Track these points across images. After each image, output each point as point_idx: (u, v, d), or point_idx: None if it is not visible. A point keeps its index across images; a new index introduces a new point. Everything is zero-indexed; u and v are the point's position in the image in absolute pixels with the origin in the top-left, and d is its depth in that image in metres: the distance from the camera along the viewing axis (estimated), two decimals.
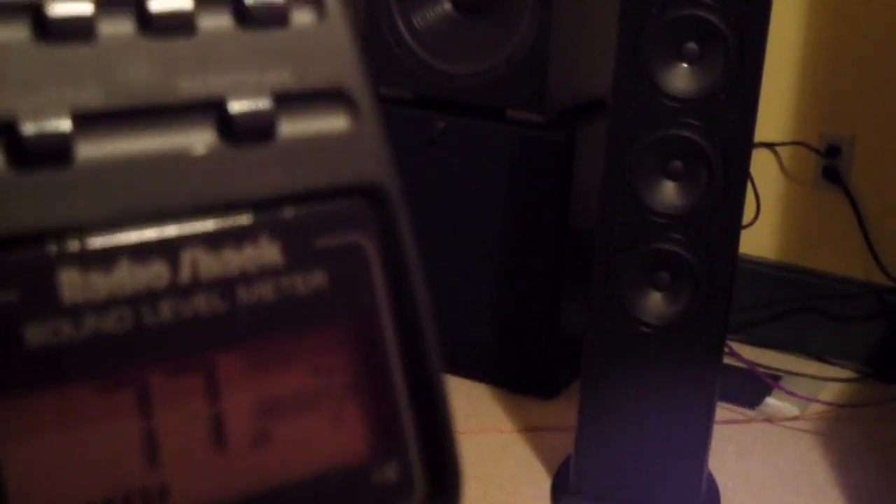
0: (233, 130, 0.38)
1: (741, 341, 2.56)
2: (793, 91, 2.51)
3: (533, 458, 2.14)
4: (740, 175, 1.86)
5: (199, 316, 0.37)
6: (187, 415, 0.38)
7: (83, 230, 0.36)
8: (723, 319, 1.92)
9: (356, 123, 0.41)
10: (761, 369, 2.42)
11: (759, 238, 2.59)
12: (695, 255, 1.89)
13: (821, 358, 2.55)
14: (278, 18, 0.39)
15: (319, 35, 0.40)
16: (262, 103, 0.38)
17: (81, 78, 0.36)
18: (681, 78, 1.85)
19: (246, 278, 0.38)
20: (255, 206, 0.38)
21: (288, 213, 0.39)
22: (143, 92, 0.37)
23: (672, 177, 1.89)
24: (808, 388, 2.41)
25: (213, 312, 0.38)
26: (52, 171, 0.35)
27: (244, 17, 0.39)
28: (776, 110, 2.50)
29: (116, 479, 0.37)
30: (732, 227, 1.89)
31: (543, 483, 2.06)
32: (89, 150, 0.36)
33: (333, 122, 0.40)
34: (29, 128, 0.35)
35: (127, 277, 0.36)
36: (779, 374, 2.46)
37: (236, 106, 0.38)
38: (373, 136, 0.41)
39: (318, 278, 0.39)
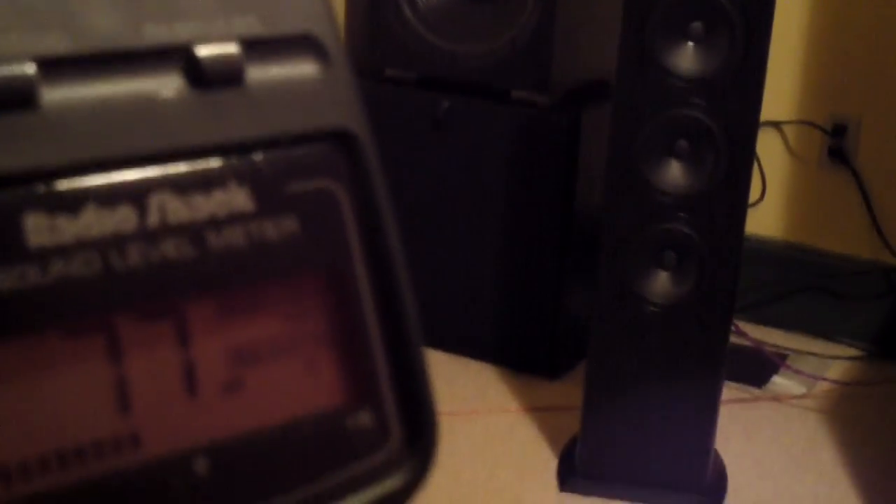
0: (200, 75, 0.38)
1: (748, 320, 2.56)
2: (799, 70, 2.51)
3: (539, 439, 2.14)
4: (746, 155, 1.86)
5: (168, 261, 0.37)
6: (158, 361, 0.37)
7: (49, 174, 0.35)
8: (729, 299, 1.91)
9: (326, 70, 0.41)
10: (768, 348, 2.42)
11: (765, 217, 2.59)
12: (701, 234, 1.89)
13: (827, 337, 2.55)
14: None
15: None
16: (230, 48, 0.38)
17: (46, 23, 0.35)
18: (686, 58, 1.84)
19: (215, 223, 0.38)
20: (224, 150, 0.38)
21: (257, 157, 0.38)
22: (109, 37, 0.36)
23: (678, 157, 1.88)
24: (815, 366, 2.41)
25: (183, 258, 0.37)
26: (17, 115, 0.35)
27: None
28: (783, 89, 2.50)
29: (87, 427, 0.36)
30: (739, 206, 1.88)
31: (550, 464, 2.07)
32: (55, 94, 0.36)
33: (302, 69, 0.40)
34: None
35: (94, 221, 0.36)
36: (785, 352, 2.46)
37: (203, 51, 0.38)
38: (342, 83, 0.41)
39: (289, 224, 0.39)
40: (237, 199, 0.38)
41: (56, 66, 0.36)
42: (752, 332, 2.47)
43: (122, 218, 0.36)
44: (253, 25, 0.39)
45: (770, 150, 2.53)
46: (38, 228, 0.35)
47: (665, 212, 1.89)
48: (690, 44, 1.84)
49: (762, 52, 1.81)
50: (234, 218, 0.38)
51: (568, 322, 2.32)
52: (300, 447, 0.40)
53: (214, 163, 0.38)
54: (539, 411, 2.23)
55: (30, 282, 0.35)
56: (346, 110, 0.41)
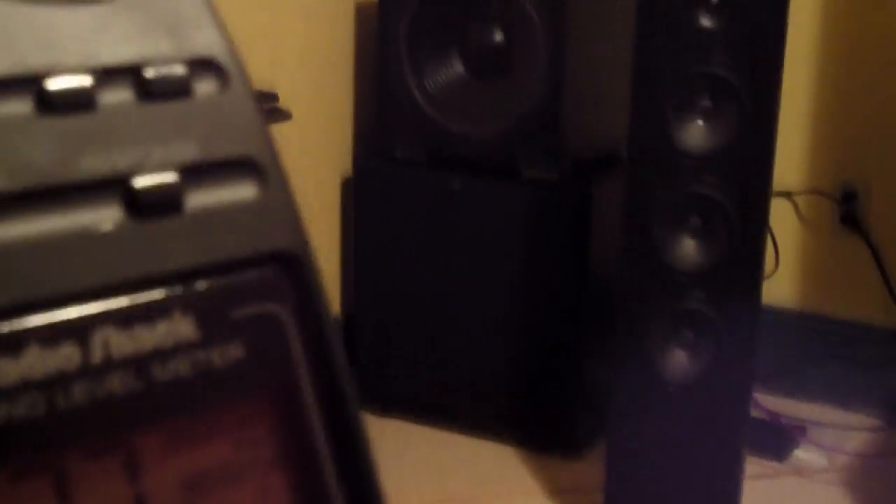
0: (138, 206, 0.37)
1: (766, 391, 2.54)
2: (807, 139, 2.51)
3: None
4: (759, 229, 1.86)
5: (114, 396, 0.36)
6: (110, 497, 0.36)
7: None
8: (748, 374, 1.90)
9: (264, 191, 0.40)
10: (787, 419, 2.40)
11: (780, 287, 2.58)
12: (717, 311, 1.88)
13: (846, 406, 2.53)
14: (180, 90, 0.39)
15: (223, 104, 0.40)
16: (168, 177, 0.38)
17: None
18: (696, 134, 1.84)
19: (161, 355, 0.37)
20: (167, 280, 0.38)
21: (200, 286, 0.38)
22: (46, 172, 0.36)
23: (691, 233, 1.88)
24: (836, 437, 2.39)
25: (129, 392, 0.37)
26: None
27: (145, 91, 0.38)
28: (791, 159, 2.50)
29: None
30: (753, 281, 1.88)
31: None
32: None
33: (241, 191, 0.40)
34: None
35: (37, 362, 0.35)
36: (805, 424, 2.44)
37: (140, 181, 0.37)
38: (282, 203, 0.41)
39: (235, 350, 0.39)
40: (182, 328, 0.38)
41: None
42: (770, 403, 2.45)
43: (66, 356, 0.36)
44: (191, 151, 0.39)
45: (782, 220, 2.53)
46: None
47: (680, 288, 1.89)
48: (700, 121, 1.84)
49: (771, 127, 1.82)
50: (180, 348, 0.38)
51: (587, 396, 2.30)
52: None
53: (157, 294, 0.37)
54: (562, 493, 2.21)
55: None
56: (287, 230, 0.41)
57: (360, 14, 2.45)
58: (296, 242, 0.41)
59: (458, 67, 2.28)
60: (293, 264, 0.40)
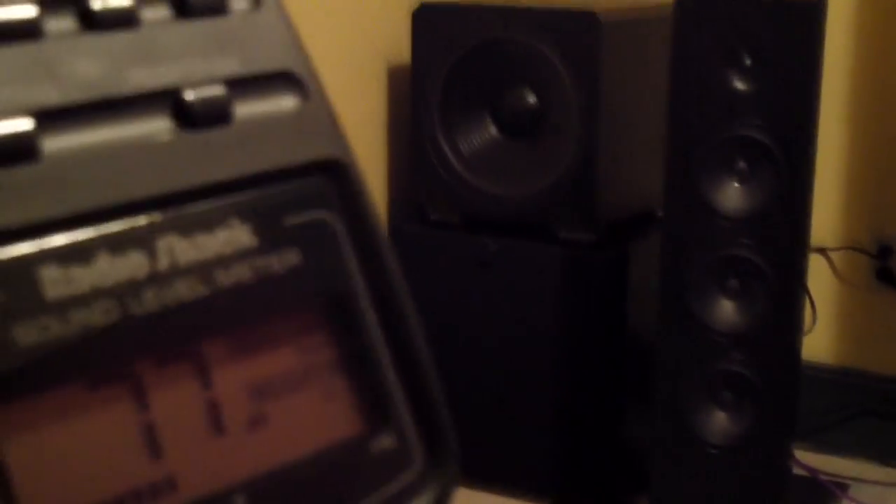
0: (190, 117, 0.38)
1: (805, 448, 2.52)
2: (841, 195, 2.51)
3: None
4: (797, 290, 1.86)
5: (183, 302, 0.37)
6: (183, 404, 0.37)
7: (58, 225, 0.35)
8: (788, 434, 1.90)
9: (306, 103, 0.41)
10: (827, 477, 2.39)
11: (818, 343, 2.56)
12: (757, 373, 1.87)
13: (887, 462, 2.51)
14: (216, 7, 0.40)
15: (258, 21, 0.41)
16: (216, 89, 0.39)
17: (34, 77, 0.36)
18: (732, 197, 1.85)
19: (223, 261, 0.38)
20: (222, 189, 0.39)
21: (253, 194, 0.39)
22: (96, 86, 0.37)
23: (729, 295, 1.88)
24: (877, 495, 2.36)
25: (196, 297, 0.37)
26: (21, 168, 0.35)
27: (183, 8, 0.39)
28: (826, 214, 2.49)
29: (122, 476, 0.36)
30: (792, 341, 1.88)
31: None
32: (54, 145, 0.36)
33: (284, 103, 0.41)
34: None
35: (108, 269, 0.36)
36: (846, 481, 2.42)
37: (191, 94, 0.38)
38: (323, 114, 0.42)
39: (291, 256, 0.40)
40: (240, 235, 0.39)
41: (51, 118, 0.36)
42: (810, 460, 2.43)
43: (135, 264, 0.37)
44: (234, 66, 0.40)
45: (817, 276, 2.52)
46: (53, 280, 0.35)
47: (719, 349, 1.88)
48: (736, 183, 1.84)
49: (807, 187, 1.82)
50: (240, 254, 0.39)
51: (626, 458, 2.29)
52: (331, 476, 0.40)
53: (214, 202, 0.38)
54: None
55: (52, 334, 0.35)
56: (330, 139, 0.42)
57: (392, 77, 2.47)
58: (339, 150, 0.42)
59: (491, 129, 2.29)
60: (338, 172, 0.42)
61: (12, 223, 0.35)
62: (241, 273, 0.38)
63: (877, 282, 2.51)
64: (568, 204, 2.21)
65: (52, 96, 0.36)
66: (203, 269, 0.38)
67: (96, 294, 0.36)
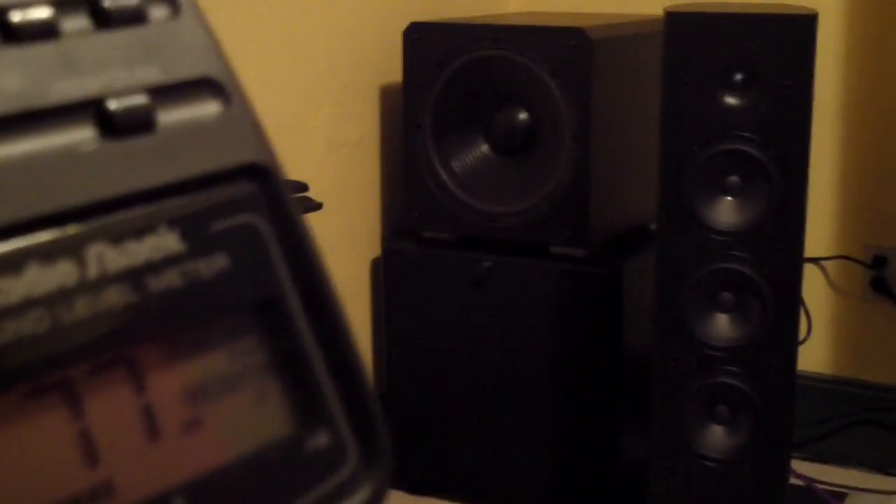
0: (114, 127, 0.39)
1: (801, 458, 2.53)
2: (835, 205, 2.51)
3: None
4: (792, 303, 1.86)
5: (113, 308, 0.37)
6: (119, 409, 0.37)
7: None
8: (785, 447, 1.90)
9: (227, 108, 0.42)
10: (824, 486, 2.39)
11: (813, 353, 2.57)
12: (752, 385, 1.88)
13: (884, 471, 2.51)
14: (135, 17, 0.40)
15: (177, 29, 0.41)
16: (138, 98, 0.39)
17: None
18: (725, 211, 1.85)
19: (152, 268, 0.39)
20: (148, 196, 0.39)
21: (180, 200, 0.39)
22: (19, 97, 0.37)
23: (723, 309, 1.88)
24: None
25: (127, 303, 0.38)
26: None
27: (103, 19, 0.40)
28: (819, 225, 2.50)
29: (59, 483, 0.36)
30: (788, 354, 1.88)
31: None
32: None
33: (206, 109, 0.41)
34: None
35: (37, 279, 0.36)
36: (843, 490, 2.42)
37: (114, 103, 0.39)
38: (245, 119, 0.42)
39: (220, 261, 0.40)
40: (168, 242, 0.39)
41: None
42: (805, 470, 2.44)
43: (64, 272, 0.37)
44: (155, 74, 0.40)
45: (812, 287, 2.53)
46: None
47: (714, 363, 1.89)
48: (729, 197, 1.85)
49: (800, 201, 1.82)
50: (169, 260, 0.39)
51: (623, 473, 2.29)
52: (267, 475, 0.41)
53: (142, 209, 0.39)
54: None
55: None
56: (253, 144, 0.42)
57: (385, 97, 2.47)
58: (262, 154, 0.42)
59: (483, 148, 2.30)
60: (263, 175, 0.42)
61: None
62: (170, 279, 0.39)
63: (871, 291, 2.51)
64: (561, 220, 2.21)
65: None
66: (133, 276, 0.38)
67: (27, 303, 0.36)
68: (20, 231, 0.36)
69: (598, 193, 2.22)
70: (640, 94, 2.33)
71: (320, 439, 0.42)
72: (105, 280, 0.38)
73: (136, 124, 0.39)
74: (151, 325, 0.39)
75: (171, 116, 0.40)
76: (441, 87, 2.26)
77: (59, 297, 0.37)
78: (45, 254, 0.37)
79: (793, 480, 2.33)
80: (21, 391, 0.36)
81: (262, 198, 0.42)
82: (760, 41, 1.79)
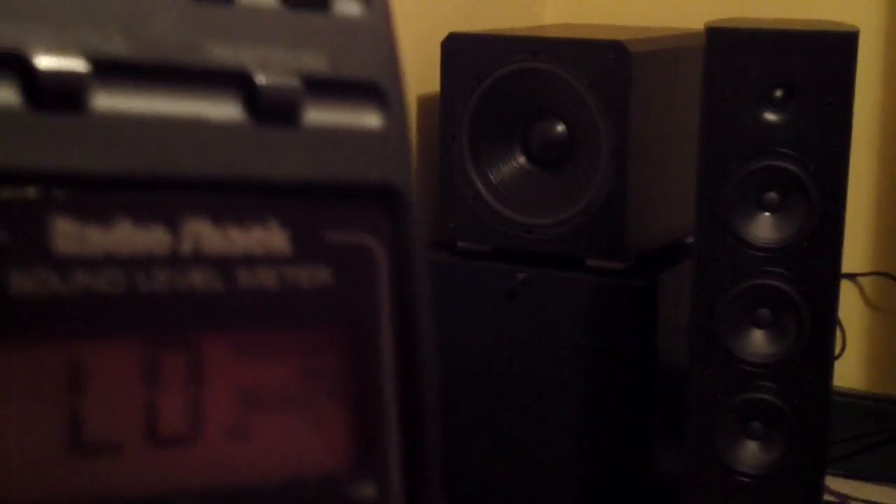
0: (258, 105, 0.36)
1: (835, 475, 2.52)
2: (871, 221, 2.50)
3: None
4: (828, 320, 1.85)
5: (196, 291, 0.35)
6: (170, 393, 0.35)
7: (85, 181, 0.33)
8: (820, 464, 1.89)
9: (386, 123, 0.39)
10: (858, 503, 2.38)
11: (847, 369, 2.56)
12: (787, 402, 1.87)
13: None
14: (319, 2, 0.38)
15: (360, 27, 0.39)
16: (291, 81, 0.37)
17: (106, 23, 0.34)
18: (763, 227, 1.85)
19: (249, 261, 0.36)
20: (270, 188, 0.36)
21: (302, 201, 0.37)
22: (170, 49, 0.35)
23: (760, 325, 1.88)
24: None
25: (210, 290, 0.36)
26: (64, 114, 0.33)
27: None
28: (855, 241, 2.49)
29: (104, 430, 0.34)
30: (823, 371, 1.87)
31: None
32: (105, 99, 0.34)
33: (363, 118, 0.39)
34: (42, 62, 0.32)
35: (126, 238, 0.34)
36: None
37: (263, 79, 0.36)
38: (399, 139, 0.39)
39: (322, 274, 0.38)
40: (275, 239, 0.37)
41: (109, 70, 0.34)
42: (840, 487, 2.43)
43: (156, 239, 0.35)
44: (319, 64, 0.37)
45: (847, 302, 2.52)
46: (66, 235, 0.33)
47: (750, 379, 1.88)
48: (766, 213, 1.85)
49: (839, 218, 1.82)
50: (269, 259, 0.37)
51: (657, 489, 2.29)
52: None
53: (258, 199, 0.36)
54: None
55: (49, 290, 0.33)
56: (399, 169, 0.39)
57: (422, 107, 2.48)
58: (405, 181, 0.39)
59: (520, 159, 2.30)
60: (397, 202, 0.39)
61: (37, 166, 0.33)
62: (265, 278, 0.37)
63: None
64: (597, 233, 2.21)
65: (118, 48, 0.34)
66: (226, 264, 0.36)
67: (107, 260, 0.34)
68: (123, 184, 0.34)
69: (634, 207, 2.21)
70: (678, 108, 2.33)
71: (366, 490, 0.39)
72: (196, 260, 0.35)
73: (281, 109, 0.37)
74: (228, 319, 0.36)
75: (323, 114, 0.38)
76: (478, 98, 2.27)
77: (143, 264, 0.35)
78: (142, 214, 0.34)
79: (827, 497, 2.32)
80: (80, 345, 0.34)
81: (388, 225, 0.39)
82: (801, 58, 1.79)
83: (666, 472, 2.28)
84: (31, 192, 0.33)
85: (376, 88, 0.39)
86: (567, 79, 2.20)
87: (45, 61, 0.33)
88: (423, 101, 2.48)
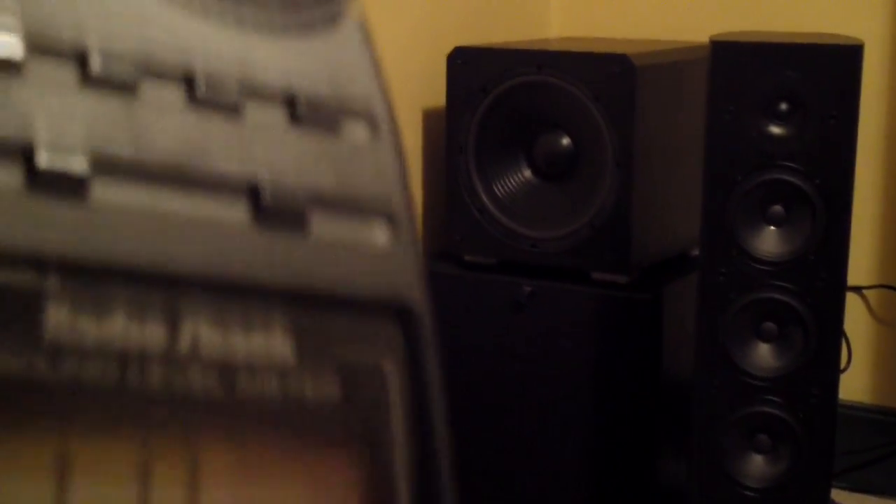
0: (265, 212, 0.36)
1: (840, 487, 2.51)
2: (876, 234, 2.50)
3: None
4: (834, 333, 1.85)
5: (191, 392, 0.34)
6: (160, 496, 0.34)
7: (82, 269, 0.33)
8: (826, 477, 1.89)
9: (396, 240, 0.39)
10: None
11: (853, 382, 2.56)
12: (793, 415, 1.87)
13: None
14: (328, 124, 0.38)
15: (369, 151, 0.39)
16: (297, 190, 0.36)
17: (113, 124, 0.34)
18: (768, 241, 1.85)
19: (250, 368, 0.35)
20: (274, 293, 0.35)
21: (310, 311, 0.36)
22: (175, 154, 0.35)
23: (765, 338, 1.88)
24: None
25: (208, 393, 0.34)
26: (65, 202, 0.33)
27: (294, 114, 0.37)
28: (860, 254, 2.49)
29: None
30: (829, 384, 1.87)
31: None
32: (106, 192, 0.33)
33: (371, 234, 0.38)
34: (44, 159, 0.33)
35: (119, 330, 0.33)
36: None
37: (269, 185, 0.36)
38: (410, 257, 0.39)
39: (329, 388, 0.36)
40: (280, 348, 0.35)
41: (113, 167, 0.34)
42: (846, 500, 2.42)
43: (151, 335, 0.34)
44: (326, 178, 0.37)
45: (853, 315, 2.52)
46: (58, 322, 0.33)
47: (755, 393, 1.88)
48: (772, 227, 1.85)
49: (844, 231, 1.82)
50: (272, 367, 0.35)
51: (662, 498, 2.29)
52: None
53: (260, 302, 0.35)
54: None
55: (37, 375, 0.32)
56: (411, 286, 0.39)
57: (428, 120, 2.49)
58: (418, 300, 0.39)
59: (526, 172, 2.30)
60: (411, 321, 0.39)
61: (35, 249, 0.32)
62: (266, 386, 0.35)
63: None
64: (602, 246, 2.22)
65: (122, 147, 0.34)
66: (225, 369, 0.34)
67: (99, 351, 0.33)
68: (120, 276, 0.33)
69: (639, 219, 2.22)
70: (683, 121, 2.33)
71: None
72: (193, 360, 0.34)
73: (287, 214, 0.36)
74: (228, 427, 0.35)
75: (328, 225, 0.37)
76: (484, 111, 2.27)
77: (136, 358, 0.34)
78: (137, 308, 0.34)
79: None
80: (61, 439, 0.32)
81: (401, 343, 0.38)
82: (806, 71, 1.79)
83: (671, 484, 2.28)
84: (25, 276, 0.32)
85: (385, 210, 0.39)
86: (572, 92, 2.20)
87: (45, 157, 0.33)
88: (429, 115, 2.49)
